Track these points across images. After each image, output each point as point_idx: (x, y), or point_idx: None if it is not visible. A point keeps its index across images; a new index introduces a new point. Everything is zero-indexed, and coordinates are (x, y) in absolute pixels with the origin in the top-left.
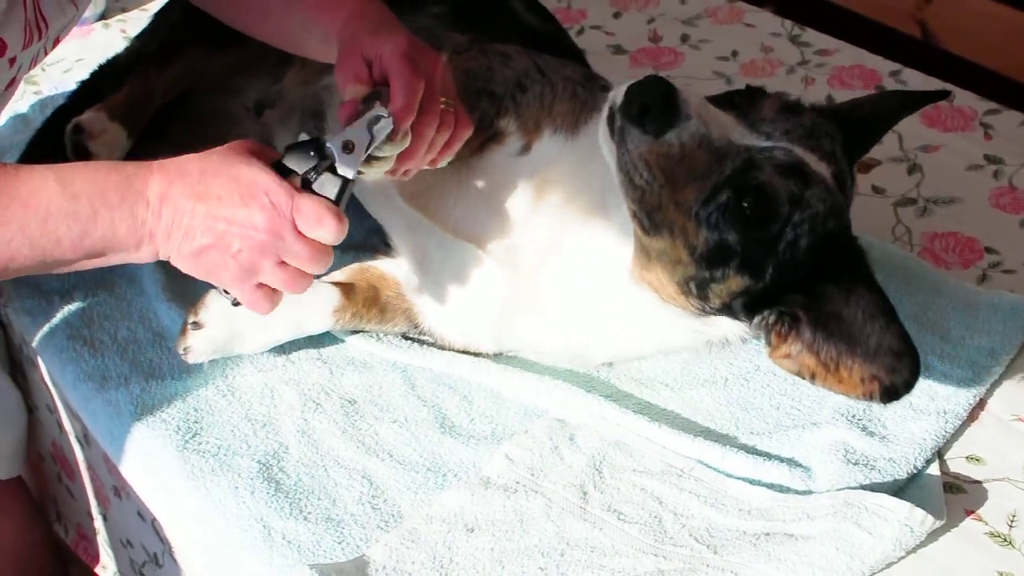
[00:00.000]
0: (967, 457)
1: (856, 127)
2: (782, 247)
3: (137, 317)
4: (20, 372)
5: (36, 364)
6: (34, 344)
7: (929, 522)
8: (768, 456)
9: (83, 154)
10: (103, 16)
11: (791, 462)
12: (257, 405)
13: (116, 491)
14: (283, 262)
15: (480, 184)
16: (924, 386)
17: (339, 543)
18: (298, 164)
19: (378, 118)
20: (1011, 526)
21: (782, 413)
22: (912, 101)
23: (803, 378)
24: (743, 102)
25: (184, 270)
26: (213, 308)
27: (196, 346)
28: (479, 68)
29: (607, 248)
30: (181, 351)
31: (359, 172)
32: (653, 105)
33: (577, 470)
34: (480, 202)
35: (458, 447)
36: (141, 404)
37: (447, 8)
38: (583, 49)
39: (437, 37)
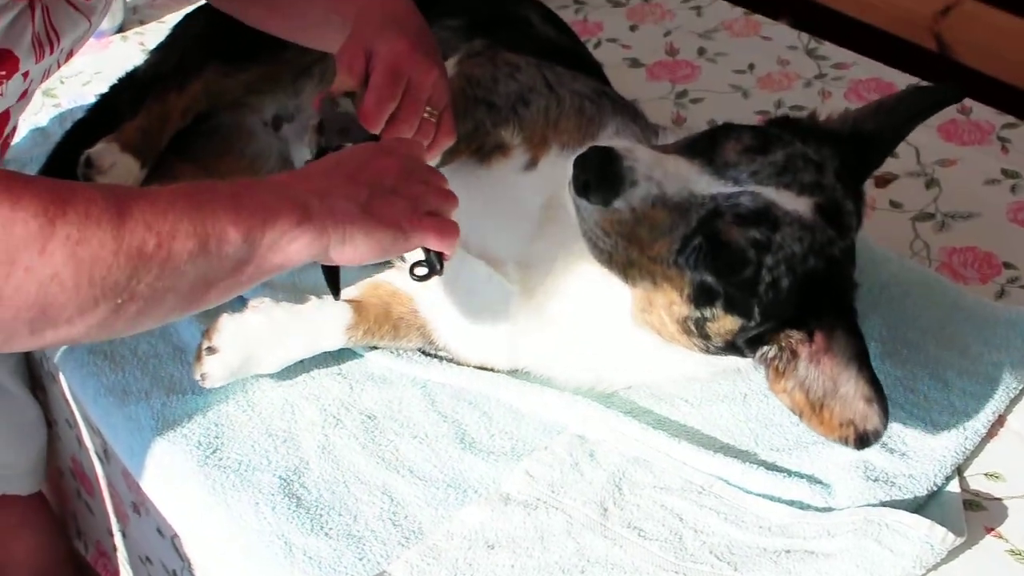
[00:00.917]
0: (986, 474)
1: (861, 145)
2: (762, 289)
3: (158, 331)
4: (40, 387)
5: (56, 378)
6: (55, 359)
7: (949, 539)
8: (788, 473)
9: None
10: (121, 29)
11: (811, 479)
12: (278, 420)
13: (135, 507)
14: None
15: (488, 199)
16: (943, 402)
17: (360, 559)
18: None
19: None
20: None
21: (802, 429)
22: (922, 109)
23: (795, 415)
24: (707, 147)
25: (363, 252)
26: (226, 332)
27: (212, 371)
28: (482, 76)
29: (612, 281)
30: (198, 377)
31: None
32: (592, 179)
33: (597, 486)
34: (488, 217)
35: (478, 463)
36: (162, 419)
37: (463, 21)
38: (600, 62)
39: (453, 50)
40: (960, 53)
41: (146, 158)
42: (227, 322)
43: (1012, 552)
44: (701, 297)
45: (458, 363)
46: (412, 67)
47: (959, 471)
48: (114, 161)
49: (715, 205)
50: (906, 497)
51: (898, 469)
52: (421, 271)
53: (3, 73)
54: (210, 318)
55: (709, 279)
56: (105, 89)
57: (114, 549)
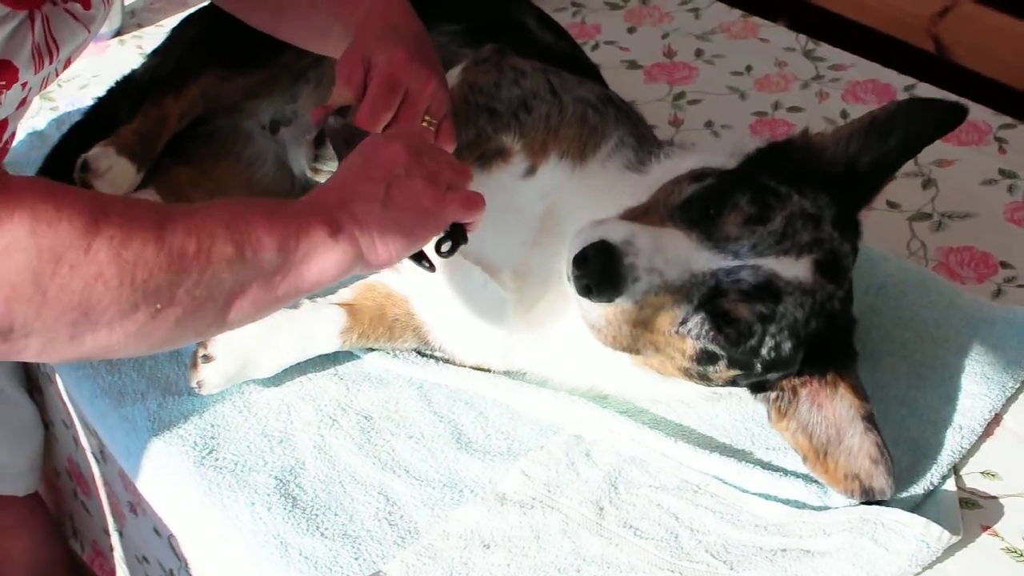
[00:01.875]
0: (983, 472)
1: (857, 182)
2: (765, 352)
3: None
4: (37, 388)
5: (53, 380)
6: None
7: (945, 538)
8: (784, 472)
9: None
10: (119, 32)
11: (807, 477)
12: (274, 421)
13: (132, 507)
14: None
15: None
16: (940, 401)
17: (356, 559)
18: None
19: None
20: None
21: None
22: (919, 135)
23: (799, 456)
24: (705, 214)
25: (398, 247)
26: (221, 339)
27: (208, 379)
28: (485, 83)
29: None
30: (194, 385)
31: (312, 170)
32: (594, 284)
33: (593, 486)
34: (486, 224)
35: (474, 463)
36: (158, 420)
37: (462, 26)
38: (597, 64)
39: (452, 55)
40: (958, 54)
41: (143, 162)
42: None
43: (1008, 550)
44: (704, 358)
45: (454, 364)
46: (410, 76)
47: (955, 469)
48: (111, 165)
49: (716, 282)
50: (902, 495)
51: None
52: (447, 246)
53: (3, 83)
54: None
55: (712, 347)
56: (102, 93)
57: (110, 549)
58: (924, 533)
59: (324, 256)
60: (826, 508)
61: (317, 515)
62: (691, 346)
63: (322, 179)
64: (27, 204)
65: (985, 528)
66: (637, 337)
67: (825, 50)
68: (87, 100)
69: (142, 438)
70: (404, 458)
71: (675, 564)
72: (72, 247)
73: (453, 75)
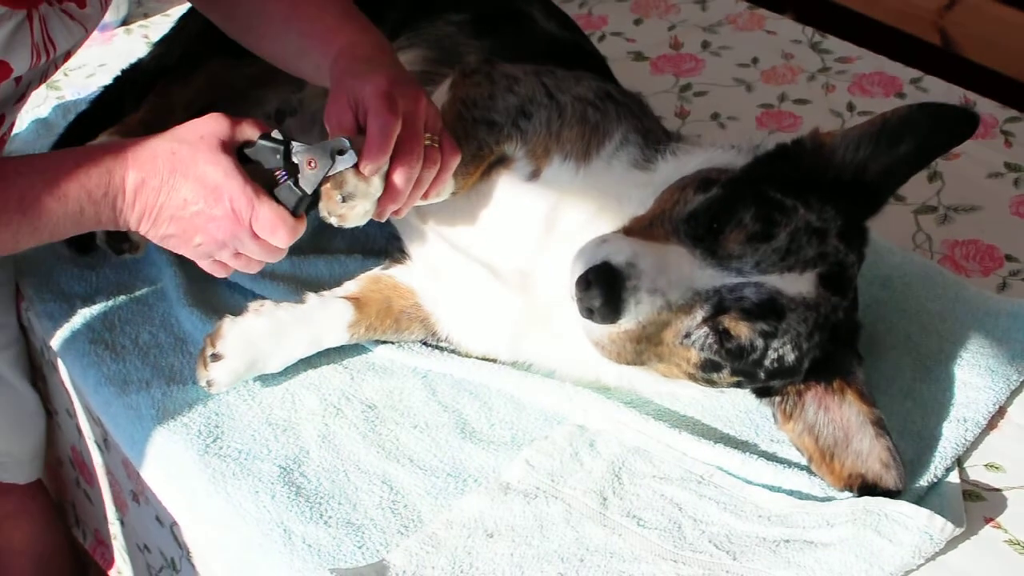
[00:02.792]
0: (987, 465)
1: (864, 193)
2: (768, 363)
3: (159, 321)
4: (40, 376)
5: (56, 368)
6: (55, 348)
7: (949, 529)
8: (788, 463)
9: None
10: (125, 21)
11: (811, 469)
12: (278, 410)
13: (134, 496)
14: (238, 253)
15: (491, 209)
16: (945, 393)
17: (359, 547)
18: (263, 159)
19: (343, 149)
20: None
21: None
22: (930, 146)
23: (804, 457)
24: (709, 235)
25: (150, 240)
26: (230, 337)
27: (218, 377)
28: (479, 95)
29: None
30: (204, 384)
31: (335, 215)
32: (596, 308)
33: (597, 476)
34: (491, 227)
35: (478, 452)
36: (162, 408)
37: (467, 16)
38: (604, 56)
39: (457, 45)
40: (964, 47)
41: None
42: (230, 327)
43: (1011, 542)
44: (708, 366)
45: (460, 354)
46: (400, 96)
47: (959, 462)
48: None
49: (719, 299)
50: None
51: None
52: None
53: None
54: (208, 335)
55: (716, 359)
56: (109, 82)
57: (111, 537)
58: (928, 525)
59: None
60: (830, 499)
61: (321, 503)
62: (695, 355)
63: (356, 215)
64: None
65: (988, 520)
66: (641, 352)
67: (832, 42)
68: (93, 89)
69: (146, 426)
70: (408, 447)
71: (678, 554)
72: None
73: (441, 92)
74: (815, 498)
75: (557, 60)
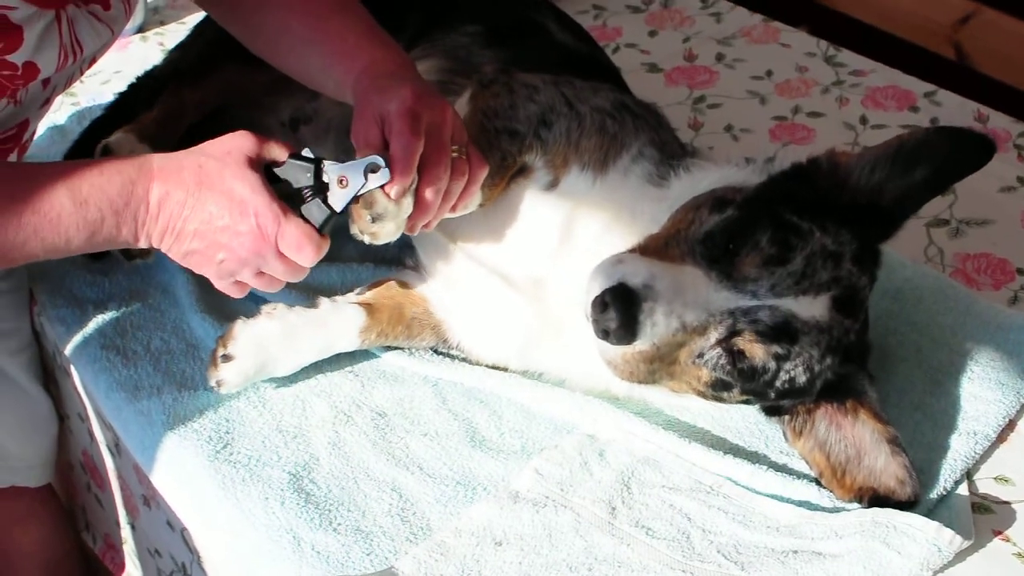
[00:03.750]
0: (996, 478)
1: (879, 218)
2: (779, 384)
3: (170, 328)
4: (52, 380)
5: (69, 373)
6: (67, 353)
7: (957, 542)
8: (797, 474)
9: None
10: (141, 29)
11: (819, 480)
12: (288, 417)
13: (146, 500)
14: (261, 271)
15: (507, 218)
16: (955, 406)
17: (368, 555)
18: (293, 177)
19: (376, 166)
20: None
21: None
22: (946, 173)
23: (814, 473)
24: (724, 257)
25: (171, 258)
26: (242, 339)
27: (228, 378)
28: (500, 106)
29: None
30: (214, 384)
31: (367, 233)
32: (612, 330)
33: (606, 485)
34: (507, 235)
35: (488, 461)
36: (173, 414)
37: (482, 28)
38: (618, 67)
39: (471, 56)
40: (978, 61)
41: (162, 149)
42: (242, 329)
43: (1020, 555)
44: (719, 386)
45: (471, 362)
46: (425, 109)
47: (968, 474)
48: (131, 150)
49: (733, 321)
50: None
51: None
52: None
53: (20, 81)
54: (220, 336)
55: (727, 379)
56: (124, 88)
57: (122, 542)
58: (936, 537)
59: (120, 245)
60: (838, 510)
61: (330, 511)
62: (707, 375)
63: (387, 231)
64: None
65: (997, 533)
66: (654, 372)
67: (846, 55)
68: (108, 95)
69: (157, 432)
70: (418, 455)
71: (687, 564)
72: None
73: (461, 104)
74: (824, 509)
75: (572, 71)
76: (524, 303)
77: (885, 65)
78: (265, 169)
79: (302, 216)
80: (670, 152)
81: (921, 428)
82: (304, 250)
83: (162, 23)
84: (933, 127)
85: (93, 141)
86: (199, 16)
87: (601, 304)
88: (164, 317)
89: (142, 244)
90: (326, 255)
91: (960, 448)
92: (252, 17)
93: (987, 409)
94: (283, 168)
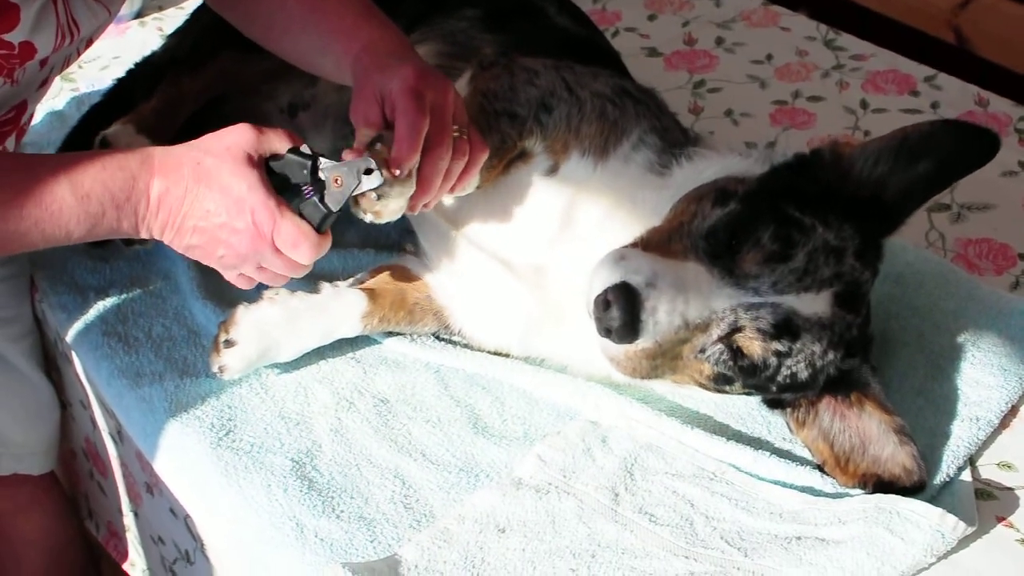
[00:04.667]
0: (999, 464)
1: (883, 212)
2: (780, 379)
3: (172, 314)
4: (54, 368)
5: (70, 360)
6: (69, 340)
7: (960, 528)
8: (800, 460)
9: None
10: (139, 14)
11: (822, 468)
12: (291, 403)
13: (148, 488)
14: (262, 266)
15: (507, 203)
16: (957, 392)
17: (371, 541)
18: (290, 173)
19: (370, 170)
20: None
21: None
22: (952, 169)
23: (817, 461)
24: (727, 253)
25: (176, 250)
26: (244, 324)
27: (231, 364)
28: (500, 88)
29: None
30: (216, 370)
31: (371, 211)
32: (615, 329)
33: (609, 472)
34: (507, 221)
35: (490, 447)
36: (175, 401)
37: (481, 11)
38: (618, 52)
39: (471, 40)
40: (978, 45)
41: (161, 140)
42: (244, 314)
43: (1023, 541)
44: (720, 380)
45: (473, 348)
46: (428, 88)
47: (971, 460)
48: (129, 142)
49: (735, 318)
50: None
51: None
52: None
53: (16, 61)
54: (222, 321)
55: (728, 373)
56: (123, 74)
57: (125, 530)
58: (940, 523)
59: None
60: (842, 496)
61: (333, 497)
62: (709, 369)
63: (389, 211)
64: None
65: (1000, 519)
66: (656, 367)
67: (846, 39)
68: (107, 81)
69: (159, 419)
70: (420, 442)
71: (690, 550)
72: None
73: (461, 86)
74: (827, 495)
75: (572, 55)
76: (525, 289)
77: (885, 49)
78: (265, 163)
79: (300, 213)
80: (671, 139)
81: (923, 414)
82: (300, 247)
83: (160, 8)
84: (938, 120)
85: (91, 127)
86: (197, 1)
87: (604, 303)
88: (165, 303)
89: (143, 236)
90: None
91: (962, 434)
92: (249, 2)
93: (989, 395)
94: (281, 163)
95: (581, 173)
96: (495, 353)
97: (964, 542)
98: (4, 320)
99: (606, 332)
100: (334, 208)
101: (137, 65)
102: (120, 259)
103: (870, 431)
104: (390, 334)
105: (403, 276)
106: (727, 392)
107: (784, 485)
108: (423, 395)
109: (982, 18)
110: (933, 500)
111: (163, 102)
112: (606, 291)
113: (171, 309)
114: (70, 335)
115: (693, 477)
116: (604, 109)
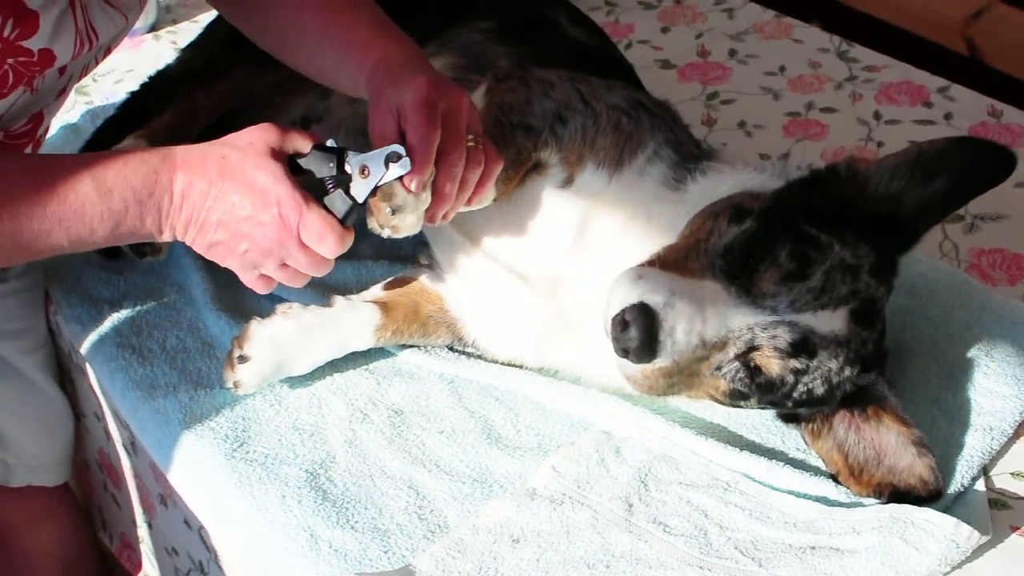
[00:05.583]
0: (1012, 473)
1: (898, 229)
2: (796, 395)
3: (186, 326)
4: (68, 379)
5: (85, 372)
6: (83, 352)
7: (975, 538)
8: (814, 470)
9: None
10: (154, 27)
11: (836, 477)
12: (305, 415)
13: (162, 499)
14: (284, 263)
15: (522, 215)
16: (970, 402)
17: (385, 552)
18: (316, 167)
19: (398, 155)
20: None
21: None
22: (968, 187)
23: (831, 471)
24: (744, 271)
25: (196, 250)
26: (257, 339)
27: (245, 379)
28: (516, 100)
29: None
30: (231, 385)
31: (388, 226)
32: (633, 350)
33: (623, 482)
34: (522, 233)
35: (504, 458)
36: (189, 413)
37: (495, 23)
38: (631, 64)
39: (485, 52)
40: (991, 56)
41: None
42: (257, 329)
43: None
44: (736, 396)
45: (486, 360)
46: (441, 97)
47: (985, 470)
48: None
49: (752, 336)
50: None
51: None
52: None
53: (36, 69)
54: (235, 336)
55: (744, 391)
56: (136, 87)
57: (139, 541)
58: (954, 533)
59: (145, 238)
60: (856, 505)
61: (347, 508)
62: (725, 385)
63: (407, 224)
64: None
65: (1014, 529)
66: (673, 384)
67: (859, 51)
68: (121, 94)
69: (173, 431)
70: (434, 453)
71: (704, 560)
72: None
73: (476, 98)
74: (841, 505)
75: (586, 68)
76: (539, 301)
77: (898, 60)
78: (288, 160)
79: (325, 207)
80: (686, 153)
81: (937, 423)
82: (326, 240)
83: (175, 22)
84: (954, 137)
85: (105, 141)
86: (211, 15)
87: (622, 323)
88: (179, 315)
89: (166, 236)
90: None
91: (976, 444)
92: (263, 14)
93: (1003, 404)
94: (306, 159)
95: (596, 185)
96: (509, 364)
97: (978, 552)
98: (18, 332)
99: (624, 352)
100: (360, 199)
101: (151, 79)
102: (134, 271)
103: (887, 443)
104: (404, 346)
105: (417, 288)
106: (742, 407)
107: (798, 495)
108: (437, 406)
109: (995, 29)
110: (947, 510)
111: (177, 116)
112: (624, 311)
113: (185, 321)
114: (84, 347)
115: (707, 487)
116: (619, 121)
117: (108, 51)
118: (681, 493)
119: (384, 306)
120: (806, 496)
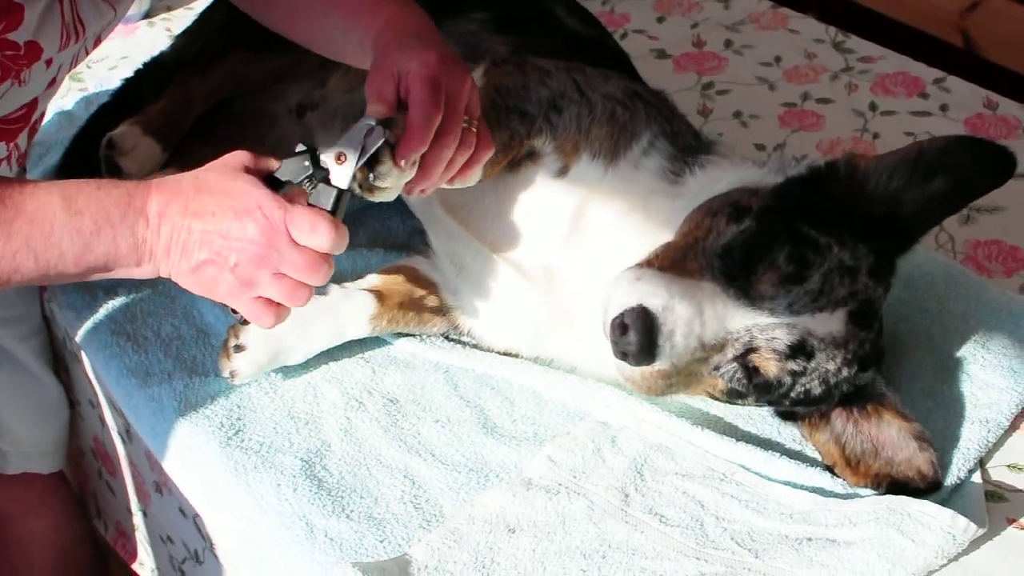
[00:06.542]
0: (1009, 466)
1: (897, 230)
2: (794, 395)
3: (181, 313)
4: (63, 367)
5: (79, 359)
6: (78, 339)
7: (972, 530)
8: (810, 461)
9: (114, 169)
10: (148, 14)
11: (832, 468)
12: (300, 403)
13: (158, 487)
14: (280, 273)
15: (517, 204)
16: (966, 395)
17: (381, 541)
18: (292, 174)
19: (371, 129)
20: None
21: None
22: (968, 188)
23: (827, 462)
24: (742, 273)
25: (184, 286)
26: (253, 329)
27: (241, 368)
28: (513, 85)
29: None
30: (227, 375)
31: (366, 188)
32: (632, 353)
33: (619, 472)
34: (517, 222)
35: (500, 448)
36: (184, 400)
37: (491, 14)
38: (627, 53)
39: (481, 42)
40: (986, 48)
41: (168, 141)
42: None
43: None
44: (733, 394)
45: (482, 349)
46: (446, 77)
47: (981, 463)
48: (136, 143)
49: (750, 338)
50: None
51: None
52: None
53: (24, 62)
54: (231, 326)
55: (742, 391)
56: (131, 74)
57: (134, 529)
58: (950, 525)
59: (124, 272)
60: (852, 496)
61: (343, 497)
62: (722, 384)
63: (383, 196)
64: None
65: (1011, 521)
66: (671, 385)
67: (855, 42)
68: (116, 81)
69: (168, 418)
70: (430, 442)
71: (700, 551)
72: None
73: (475, 78)
74: (837, 496)
75: (581, 57)
76: (535, 290)
77: (894, 52)
78: (266, 180)
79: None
80: (683, 144)
81: (933, 416)
82: (319, 228)
83: (169, 8)
84: (954, 136)
85: (99, 127)
86: (205, 1)
87: (621, 326)
88: (174, 303)
89: (146, 268)
90: None
91: (972, 436)
92: None
93: (999, 397)
94: (280, 170)
95: (591, 176)
96: (504, 354)
97: (975, 544)
98: (13, 319)
99: (623, 356)
100: (344, 185)
101: (145, 65)
102: None
103: (888, 437)
104: (400, 334)
105: (412, 277)
106: (739, 404)
107: (794, 486)
108: (433, 395)
109: (989, 21)
110: (944, 502)
111: (171, 103)
112: (623, 314)
113: (180, 308)
114: (79, 334)
115: (703, 478)
116: (614, 111)
117: (98, 41)
118: (677, 483)
119: (379, 294)
120: (802, 487)
